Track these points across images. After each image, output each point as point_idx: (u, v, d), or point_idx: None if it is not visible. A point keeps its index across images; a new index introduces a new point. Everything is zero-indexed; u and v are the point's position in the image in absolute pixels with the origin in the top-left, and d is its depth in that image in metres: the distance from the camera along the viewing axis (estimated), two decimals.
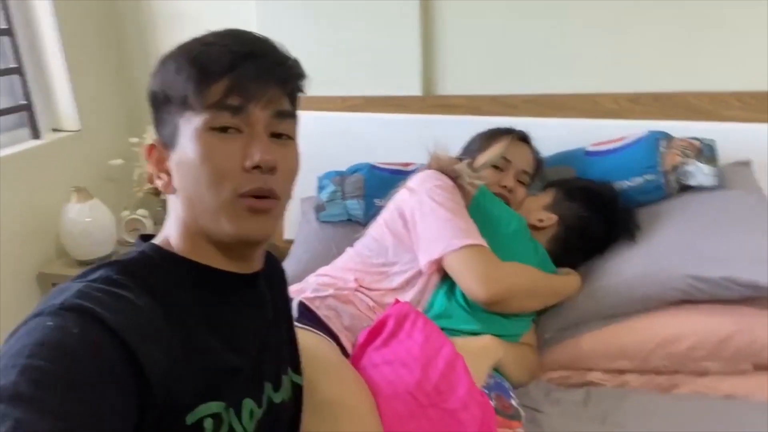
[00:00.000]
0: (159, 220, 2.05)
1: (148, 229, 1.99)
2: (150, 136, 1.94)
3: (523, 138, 1.46)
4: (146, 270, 0.62)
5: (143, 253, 0.65)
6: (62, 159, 1.94)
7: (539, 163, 1.48)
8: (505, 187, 1.38)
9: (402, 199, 1.30)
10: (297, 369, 0.81)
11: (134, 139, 1.98)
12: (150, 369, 0.52)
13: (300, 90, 0.70)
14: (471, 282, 1.16)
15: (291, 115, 0.68)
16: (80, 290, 0.54)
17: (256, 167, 0.63)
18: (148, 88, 0.68)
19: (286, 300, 0.85)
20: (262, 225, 0.65)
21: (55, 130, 1.98)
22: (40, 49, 1.89)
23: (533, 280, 1.24)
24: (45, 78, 1.93)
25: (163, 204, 2.02)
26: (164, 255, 0.65)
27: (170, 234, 0.68)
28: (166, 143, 0.67)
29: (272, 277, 0.79)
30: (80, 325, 0.51)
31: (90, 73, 2.01)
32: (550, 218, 1.35)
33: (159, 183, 0.68)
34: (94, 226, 1.82)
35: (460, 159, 1.38)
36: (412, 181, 1.31)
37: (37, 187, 1.85)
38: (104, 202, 1.89)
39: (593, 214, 1.32)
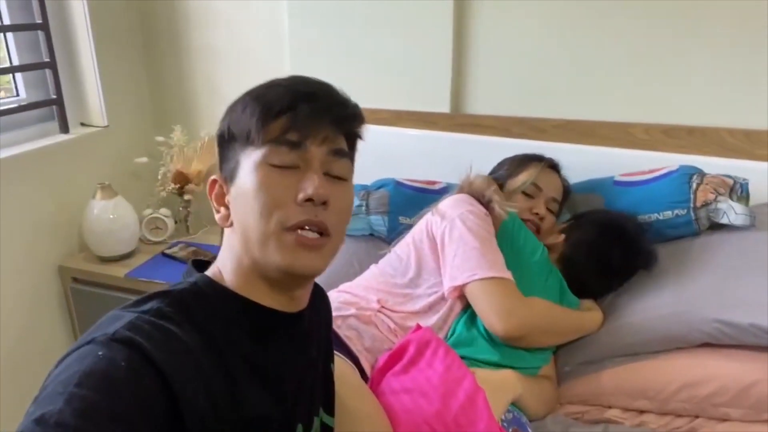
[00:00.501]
0: (180, 220, 2.06)
1: (170, 228, 2.00)
2: (177, 134, 1.96)
3: (553, 166, 1.46)
4: (196, 303, 0.63)
5: (195, 285, 0.66)
6: (89, 154, 1.95)
7: (567, 191, 1.48)
8: (536, 214, 1.38)
9: (432, 221, 1.29)
10: (328, 409, 0.80)
11: (160, 138, 1.99)
12: (189, 416, 0.54)
13: (358, 134, 0.72)
14: (491, 315, 1.15)
15: (347, 156, 0.70)
16: (131, 322, 0.56)
17: (308, 200, 0.64)
18: (217, 131, 0.70)
19: (329, 335, 0.84)
20: (311, 260, 0.65)
21: (83, 124, 1.99)
22: (72, 44, 1.91)
23: (554, 318, 1.23)
24: (76, 73, 1.94)
25: (186, 204, 2.03)
26: (215, 288, 0.67)
27: (223, 267, 0.69)
28: (227, 178, 0.69)
29: (319, 309, 0.79)
30: (127, 359, 0.53)
31: (119, 70, 2.02)
32: (558, 237, 1.36)
33: (217, 217, 0.71)
34: (116, 223, 1.84)
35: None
36: (444, 204, 1.30)
37: (63, 181, 1.87)
38: (128, 199, 1.91)
39: (600, 235, 1.32)
